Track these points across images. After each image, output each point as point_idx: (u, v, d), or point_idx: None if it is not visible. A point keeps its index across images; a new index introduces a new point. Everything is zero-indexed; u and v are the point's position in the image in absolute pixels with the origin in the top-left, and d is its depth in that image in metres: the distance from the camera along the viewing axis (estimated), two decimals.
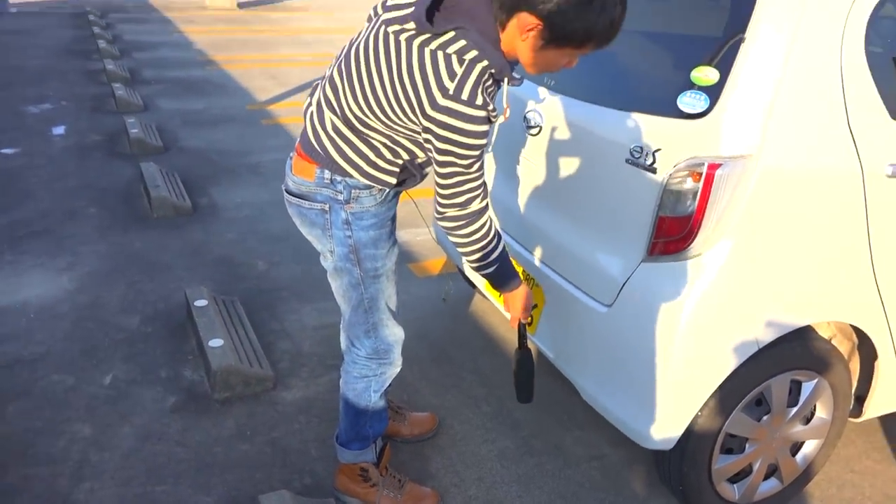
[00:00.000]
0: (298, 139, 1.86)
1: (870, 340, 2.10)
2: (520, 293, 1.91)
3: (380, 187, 1.80)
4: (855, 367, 2.25)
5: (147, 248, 3.75)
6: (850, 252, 1.93)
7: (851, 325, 2.09)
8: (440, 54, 1.54)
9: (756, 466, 2.17)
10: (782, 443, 2.18)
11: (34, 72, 7.42)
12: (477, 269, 1.83)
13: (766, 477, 2.24)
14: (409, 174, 1.81)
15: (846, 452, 2.57)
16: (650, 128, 1.89)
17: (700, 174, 1.76)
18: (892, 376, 2.20)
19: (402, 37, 1.58)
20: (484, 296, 2.83)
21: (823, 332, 2.16)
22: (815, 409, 2.20)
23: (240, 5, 13.45)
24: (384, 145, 1.72)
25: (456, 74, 1.53)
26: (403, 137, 1.70)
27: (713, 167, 1.75)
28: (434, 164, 1.66)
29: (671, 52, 2.09)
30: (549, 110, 2.23)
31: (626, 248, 1.97)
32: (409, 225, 4.11)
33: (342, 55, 1.75)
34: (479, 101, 1.54)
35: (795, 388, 2.11)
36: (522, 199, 2.42)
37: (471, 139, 1.56)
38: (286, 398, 2.66)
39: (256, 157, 5.23)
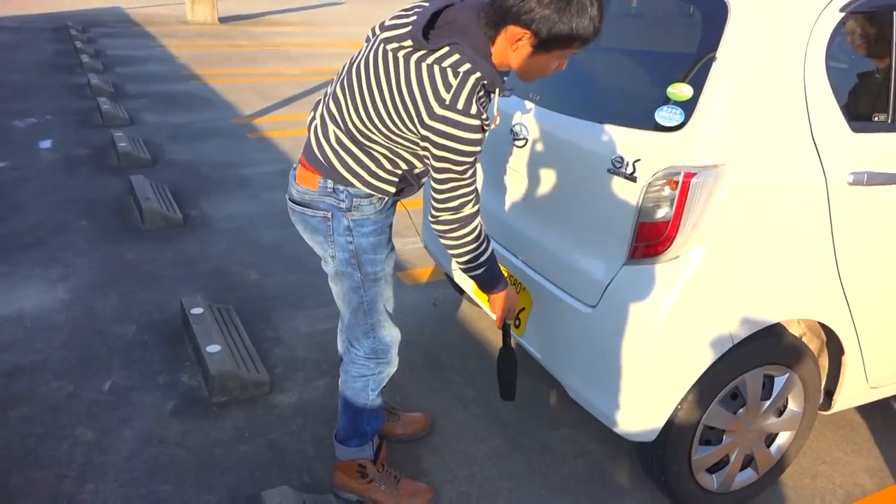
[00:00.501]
0: (302, 151, 1.97)
1: (837, 337, 2.25)
2: (505, 295, 2.04)
3: (380, 196, 1.91)
4: (824, 362, 2.39)
5: (139, 259, 3.82)
6: (817, 254, 2.08)
7: (819, 323, 2.23)
8: (436, 68, 1.66)
9: (733, 457, 2.30)
10: (757, 434, 2.31)
11: (18, 86, 7.45)
12: (466, 271, 1.95)
13: (743, 467, 2.37)
14: (408, 183, 1.93)
15: (818, 445, 2.71)
16: (630, 140, 2.02)
17: (676, 182, 1.90)
18: (858, 371, 2.34)
19: (400, 53, 1.71)
20: (472, 301, 2.95)
21: (794, 330, 2.30)
22: (787, 403, 2.33)
23: (221, 20, 13.52)
24: (384, 156, 1.84)
25: (451, 86, 1.66)
26: (402, 149, 1.82)
27: (689, 176, 1.88)
28: (431, 171, 1.78)
29: (649, 69, 2.24)
30: (535, 123, 2.36)
31: (609, 252, 2.10)
32: (397, 234, 4.22)
33: (344, 72, 1.87)
34: (474, 110, 1.67)
35: (768, 382, 2.24)
36: (510, 208, 2.54)
37: (466, 146, 1.69)
38: (282, 401, 2.75)
39: (244, 170, 5.31)
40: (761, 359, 2.15)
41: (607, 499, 2.39)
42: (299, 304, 3.46)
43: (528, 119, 2.39)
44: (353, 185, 1.87)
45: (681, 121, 1.92)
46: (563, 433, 2.68)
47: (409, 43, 1.69)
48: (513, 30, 1.63)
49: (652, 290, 1.97)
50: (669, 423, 2.10)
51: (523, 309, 2.44)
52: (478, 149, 1.72)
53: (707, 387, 2.09)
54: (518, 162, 2.46)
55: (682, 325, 1.97)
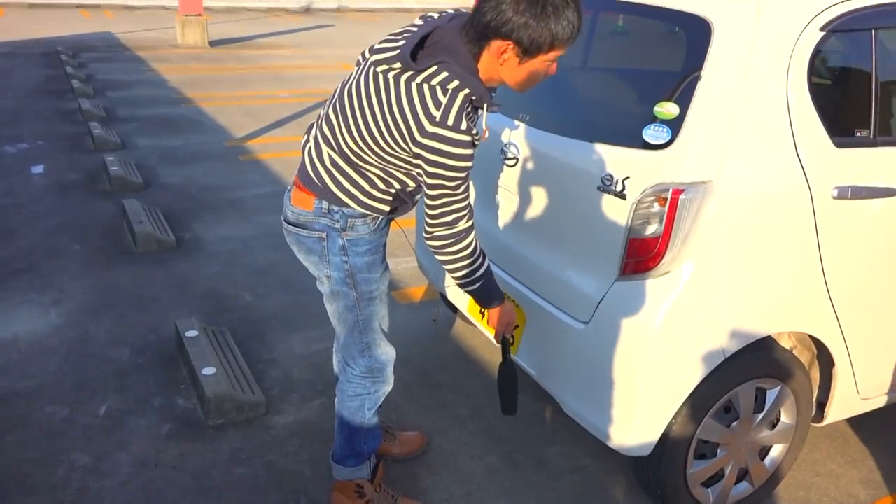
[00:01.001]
0: (297, 173, 2.00)
1: (827, 349, 2.28)
2: (502, 310, 2.06)
3: (374, 215, 1.94)
4: (815, 374, 2.42)
5: (133, 282, 3.83)
6: (805, 268, 2.11)
7: (810, 336, 2.26)
8: (426, 87, 1.70)
9: (728, 470, 2.32)
10: (751, 447, 2.33)
11: (8, 112, 7.46)
12: (463, 286, 1.98)
13: (738, 480, 2.39)
14: (401, 202, 1.96)
15: (812, 457, 2.73)
16: (619, 158, 2.06)
17: (665, 199, 1.94)
18: (849, 383, 2.37)
19: (390, 75, 1.75)
20: (466, 319, 2.97)
21: (784, 343, 2.33)
22: (780, 415, 2.36)
23: (212, 43, 13.59)
24: (378, 177, 1.87)
25: (441, 103, 1.70)
26: (396, 169, 1.85)
27: (677, 192, 1.92)
28: (424, 188, 1.81)
29: (636, 88, 2.29)
30: (525, 143, 2.40)
31: (601, 268, 2.13)
32: (391, 254, 4.24)
33: (336, 95, 1.91)
34: (464, 126, 1.71)
35: (761, 395, 2.27)
36: (502, 226, 2.57)
37: (457, 161, 1.72)
38: (278, 423, 2.75)
39: (237, 193, 5.33)
40: (753, 372, 2.18)
41: None
42: (293, 325, 3.47)
43: (518, 138, 2.43)
44: (347, 206, 1.90)
45: (668, 138, 1.96)
46: (558, 449, 2.69)
47: (398, 65, 1.73)
48: (495, 44, 1.68)
49: (644, 306, 2.00)
50: (664, 438, 2.12)
51: (517, 326, 2.47)
52: (469, 164, 1.75)
53: (700, 400, 2.11)
54: (509, 181, 2.49)
55: (674, 340, 2.00)
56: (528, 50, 1.67)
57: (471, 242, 1.89)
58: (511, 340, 2.49)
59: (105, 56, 11.57)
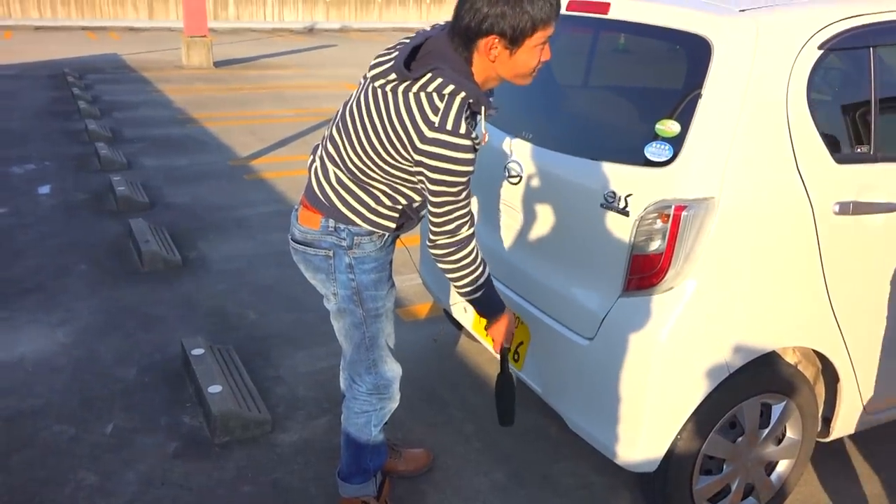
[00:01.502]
0: (304, 193, 2.03)
1: (832, 364, 2.28)
2: (504, 320, 2.06)
3: (380, 233, 1.96)
4: (820, 390, 2.43)
5: (139, 301, 3.85)
6: (808, 283, 2.13)
7: (814, 351, 2.27)
8: (422, 94, 1.74)
9: (734, 486, 2.32)
10: (757, 463, 2.33)
11: (16, 133, 7.53)
12: (466, 295, 1.98)
13: (744, 497, 2.38)
14: (407, 218, 1.98)
15: (818, 472, 2.72)
16: (621, 175, 2.09)
17: (668, 215, 1.96)
18: (854, 397, 2.38)
19: (388, 88, 1.79)
20: (471, 336, 2.98)
21: (789, 358, 2.34)
22: (785, 430, 2.36)
23: (216, 64, 13.72)
24: (384, 193, 1.90)
25: (439, 109, 1.72)
26: (401, 183, 1.87)
27: (679, 209, 1.94)
28: (427, 195, 1.83)
29: (638, 106, 2.32)
30: (529, 161, 2.43)
31: (604, 284, 2.15)
32: (395, 271, 4.26)
33: (338, 115, 1.94)
34: (463, 130, 1.73)
35: (766, 410, 2.27)
36: (507, 244, 2.59)
37: (459, 166, 1.74)
38: (284, 440, 2.76)
39: (241, 212, 5.37)
40: (758, 387, 2.19)
41: None
42: (299, 342, 3.49)
43: (522, 157, 2.45)
44: (354, 224, 1.92)
45: (670, 156, 1.98)
46: (564, 466, 2.69)
47: (393, 76, 1.77)
48: (482, 43, 1.71)
49: (648, 322, 2.01)
50: (670, 454, 2.12)
51: (521, 343, 2.48)
52: (471, 168, 1.77)
53: (705, 416, 2.11)
54: (513, 199, 2.51)
55: (678, 356, 2.01)
56: (513, 39, 1.69)
57: (473, 249, 1.91)
58: (516, 357, 2.50)
59: (111, 77, 11.69)
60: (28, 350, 3.31)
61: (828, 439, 2.46)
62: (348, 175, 1.90)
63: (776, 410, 2.27)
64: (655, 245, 2.00)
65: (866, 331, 2.30)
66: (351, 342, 2.09)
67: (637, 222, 2.02)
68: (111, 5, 23.93)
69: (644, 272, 2.03)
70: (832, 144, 2.08)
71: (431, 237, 1.89)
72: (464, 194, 1.82)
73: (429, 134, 1.72)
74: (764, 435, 2.28)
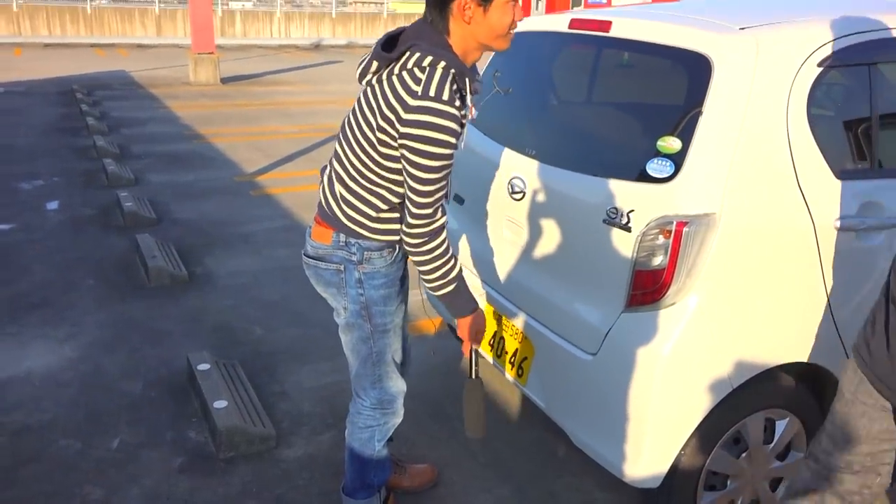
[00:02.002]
0: (317, 210, 2.06)
1: (835, 379, 2.28)
2: (475, 317, 2.03)
3: (389, 249, 1.98)
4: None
5: (146, 316, 3.87)
6: (810, 299, 2.13)
7: (818, 366, 2.27)
8: (404, 73, 1.77)
9: (739, 502, 2.32)
10: (762, 479, 2.33)
11: (25, 149, 7.60)
12: (437, 290, 1.96)
13: None
14: None
15: None
16: (623, 191, 2.11)
17: (670, 231, 1.97)
18: None
19: (374, 80, 1.84)
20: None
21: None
22: (789, 446, 2.35)
23: (223, 80, 13.84)
24: (382, 198, 1.93)
25: (420, 79, 1.75)
26: (397, 174, 1.88)
27: (681, 225, 1.95)
28: (407, 178, 1.81)
29: (640, 123, 2.34)
30: (532, 177, 2.45)
31: (607, 300, 2.16)
32: None
33: (340, 130, 1.98)
34: (447, 96, 1.74)
35: (770, 426, 2.27)
36: (511, 260, 2.61)
37: (444, 135, 1.73)
38: (289, 456, 2.77)
39: (247, 227, 5.40)
40: (761, 403, 2.19)
41: None
42: (304, 358, 3.50)
43: (525, 173, 2.47)
44: (361, 236, 1.94)
45: (671, 172, 2.00)
46: (568, 481, 2.69)
47: (374, 64, 1.81)
48: (454, 5, 1.75)
49: (650, 337, 2.02)
50: (674, 469, 2.12)
51: (525, 358, 2.49)
52: (455, 141, 1.76)
53: (709, 432, 2.12)
54: (517, 215, 2.53)
55: (681, 371, 2.01)
56: None
57: (444, 240, 1.90)
58: (520, 373, 2.51)
59: (119, 94, 11.80)
60: (35, 365, 3.33)
61: None
62: (351, 179, 1.93)
63: (780, 426, 2.27)
64: (658, 261, 2.01)
65: None
66: (358, 356, 2.11)
67: (639, 238, 2.03)
68: (120, 22, 24.19)
69: (647, 288, 2.05)
70: (833, 160, 2.09)
71: (409, 222, 1.85)
72: (444, 173, 1.80)
73: (412, 102, 1.73)
74: (768, 451, 2.28)
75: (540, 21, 2.77)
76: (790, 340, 2.16)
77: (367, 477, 2.23)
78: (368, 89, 1.86)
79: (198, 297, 4.14)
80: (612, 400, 2.12)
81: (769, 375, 2.16)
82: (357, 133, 1.88)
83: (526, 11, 27.68)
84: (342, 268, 2.00)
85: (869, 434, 1.72)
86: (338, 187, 1.97)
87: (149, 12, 24.62)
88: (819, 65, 2.06)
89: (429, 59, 1.75)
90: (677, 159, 2.00)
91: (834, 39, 2.09)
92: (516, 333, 2.54)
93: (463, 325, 2.05)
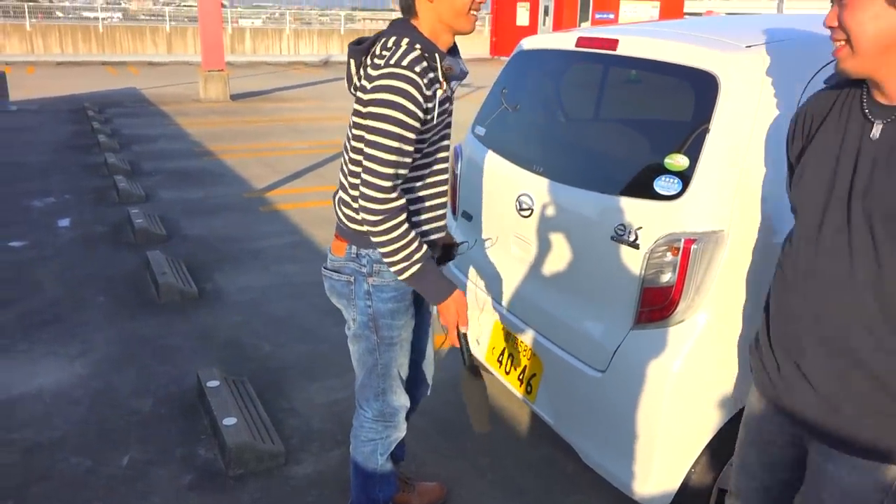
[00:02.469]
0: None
1: None
2: (453, 300, 1.95)
3: None
4: None
5: (156, 332, 3.89)
6: None
7: None
8: (374, 59, 1.84)
9: None
10: None
11: (37, 167, 7.69)
12: (402, 272, 1.90)
13: None
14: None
15: None
16: (631, 208, 2.11)
17: (678, 248, 1.98)
18: None
19: (358, 83, 1.90)
20: (484, 368, 2.98)
21: None
22: None
23: (233, 97, 13.97)
24: None
25: (385, 55, 1.80)
26: None
27: (689, 242, 1.96)
28: (365, 149, 1.80)
29: (647, 140, 2.35)
30: (540, 194, 2.46)
31: (616, 317, 2.16)
32: None
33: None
34: (407, 63, 1.76)
35: None
36: (519, 276, 2.61)
37: (401, 98, 1.74)
38: (298, 473, 2.77)
39: (256, 243, 5.43)
40: None
41: None
42: (313, 374, 3.51)
43: (533, 190, 2.49)
44: (370, 244, 1.95)
45: (678, 189, 2.01)
46: (577, 499, 2.68)
47: (353, 65, 1.90)
48: None
49: (659, 355, 2.02)
50: (683, 487, 2.11)
51: (534, 375, 2.49)
52: (414, 108, 1.75)
53: (718, 449, 2.11)
54: (525, 231, 2.54)
55: (690, 389, 2.01)
56: None
57: (404, 221, 1.85)
58: (529, 389, 2.51)
59: (130, 111, 11.93)
60: (46, 382, 3.35)
61: None
62: (349, 185, 1.97)
63: None
64: (666, 278, 2.02)
65: None
66: (364, 367, 2.14)
67: (647, 255, 2.04)
68: (131, 40, 24.49)
69: (655, 305, 2.05)
70: None
71: (364, 196, 1.80)
72: (403, 145, 1.77)
73: (378, 73, 1.78)
74: None
75: (547, 39, 2.79)
76: None
77: (372, 492, 2.23)
78: (356, 93, 1.91)
79: (207, 314, 4.16)
80: (622, 417, 2.12)
81: None
82: (351, 136, 1.94)
83: (533, 28, 27.85)
84: (353, 279, 2.03)
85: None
86: (340, 194, 2.04)
87: (160, 30, 24.92)
88: (826, 82, 2.06)
89: (393, 38, 1.83)
90: (685, 176, 2.01)
91: None
92: (525, 350, 2.54)
93: (443, 311, 1.96)
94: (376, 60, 1.82)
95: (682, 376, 1.99)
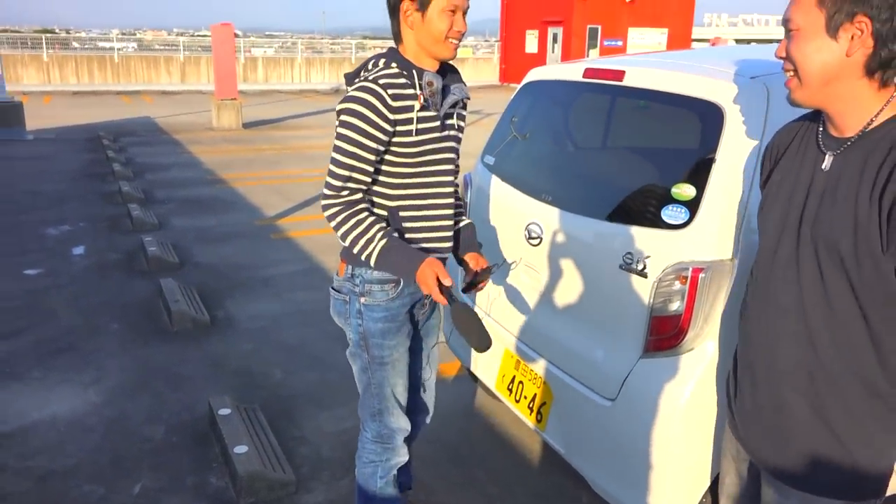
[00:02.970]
0: None
1: None
2: (427, 265, 1.92)
3: (392, 284, 2.04)
4: None
5: (168, 360, 3.92)
6: None
7: None
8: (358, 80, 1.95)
9: None
10: None
11: (53, 195, 7.80)
12: (368, 257, 1.94)
13: None
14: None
15: None
16: (639, 237, 2.13)
17: (686, 277, 1.99)
18: None
19: None
20: (493, 395, 2.99)
21: None
22: None
23: (245, 125, 14.14)
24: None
25: (366, 74, 1.93)
26: (377, 190, 2.01)
27: (697, 271, 1.98)
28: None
29: (654, 170, 2.37)
30: (549, 223, 2.48)
31: (625, 345, 2.17)
32: None
33: None
34: (382, 82, 1.88)
35: None
36: (529, 304, 2.63)
37: (356, 105, 1.87)
38: (309, 501, 2.77)
39: (267, 271, 5.47)
40: None
41: None
42: (323, 402, 3.52)
43: (542, 218, 2.51)
44: (360, 263, 2.01)
45: (686, 219, 2.03)
46: None
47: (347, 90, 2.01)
48: (401, 11, 1.91)
49: (669, 383, 2.03)
50: None
51: (545, 403, 2.49)
52: (368, 113, 1.85)
53: None
54: (534, 260, 2.57)
55: (699, 418, 2.01)
56: (421, 1, 1.88)
57: (361, 210, 1.94)
58: (539, 417, 2.51)
59: (144, 140, 12.09)
60: (60, 409, 3.38)
61: None
62: None
63: None
64: (675, 306, 2.03)
65: None
66: (361, 385, 2.19)
67: (656, 284, 2.06)
68: (145, 70, 24.89)
69: (664, 333, 2.06)
70: None
71: (322, 195, 1.98)
72: (356, 150, 1.88)
73: (349, 88, 1.93)
74: None
75: (555, 70, 2.84)
76: None
77: None
78: None
79: (219, 341, 4.19)
80: (632, 446, 2.12)
81: None
82: None
83: (542, 56, 28.07)
84: (348, 298, 2.09)
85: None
86: None
87: (174, 60, 25.32)
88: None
89: (373, 61, 1.95)
90: (692, 206, 2.03)
91: None
92: (535, 378, 2.55)
93: (421, 280, 1.92)
94: (357, 80, 1.94)
95: (692, 405, 2.00)
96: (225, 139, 12.53)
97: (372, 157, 1.92)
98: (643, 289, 2.10)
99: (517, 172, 2.79)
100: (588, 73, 2.58)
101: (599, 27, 27.00)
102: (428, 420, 2.47)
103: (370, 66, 1.96)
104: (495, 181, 2.82)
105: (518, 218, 2.62)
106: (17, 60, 23.20)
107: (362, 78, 1.92)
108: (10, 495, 2.74)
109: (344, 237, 1.96)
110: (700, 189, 2.03)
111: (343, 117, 1.89)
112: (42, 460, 2.98)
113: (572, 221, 2.41)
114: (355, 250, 1.96)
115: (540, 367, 2.52)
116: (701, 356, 2.00)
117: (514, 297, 2.69)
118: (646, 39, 27.80)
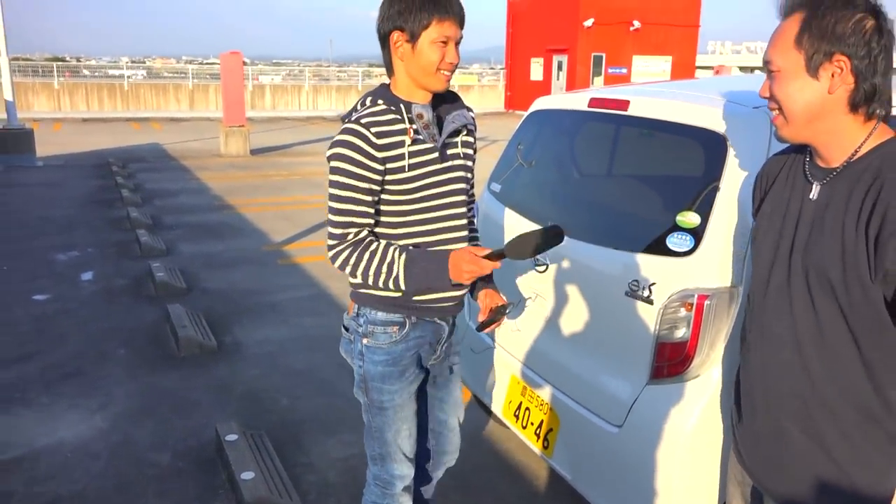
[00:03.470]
0: None
1: None
2: (457, 262, 1.85)
3: (396, 326, 2.01)
4: None
5: (176, 385, 3.94)
6: None
7: None
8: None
9: None
10: None
11: (62, 221, 7.87)
12: (398, 286, 1.88)
13: None
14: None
15: None
16: (645, 264, 2.16)
17: (691, 304, 2.01)
18: None
19: None
20: (500, 422, 2.99)
21: None
22: None
23: (253, 152, 14.27)
24: None
25: (353, 113, 1.91)
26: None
27: (702, 298, 1.99)
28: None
29: (659, 198, 2.40)
30: (555, 250, 2.50)
31: (632, 372, 2.18)
32: None
33: None
34: (365, 121, 1.85)
35: None
36: (535, 331, 2.64)
37: (342, 149, 1.84)
38: None
39: (274, 296, 5.50)
40: None
41: None
42: (330, 428, 3.52)
43: None
44: (365, 300, 2.00)
45: (691, 246, 2.05)
46: None
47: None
48: (391, 43, 1.89)
49: (675, 410, 2.03)
50: None
51: (551, 430, 2.49)
52: (354, 155, 1.82)
53: None
54: (540, 286, 2.59)
55: (706, 444, 2.01)
56: (412, 32, 1.84)
57: (368, 244, 1.88)
58: (546, 444, 2.51)
59: (153, 166, 12.21)
60: (68, 435, 3.39)
61: None
62: None
63: None
64: (680, 333, 2.04)
65: None
66: (365, 425, 2.15)
67: (661, 311, 2.07)
68: (154, 97, 25.21)
69: (670, 360, 2.07)
70: None
71: (327, 242, 1.93)
72: (350, 193, 1.83)
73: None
74: None
75: (560, 99, 2.88)
76: None
77: None
78: None
79: (226, 367, 4.20)
80: (638, 473, 2.12)
81: None
82: None
83: (547, 83, 28.30)
84: (353, 338, 2.08)
85: None
86: None
87: (182, 88, 25.65)
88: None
89: (360, 100, 1.95)
90: (697, 233, 2.05)
91: None
92: (541, 405, 2.56)
93: (457, 278, 1.86)
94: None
95: (699, 431, 2.00)
96: (233, 165, 12.64)
97: (368, 198, 1.87)
98: (649, 316, 2.11)
99: (523, 200, 2.82)
100: (593, 102, 2.62)
101: (604, 55, 27.27)
102: (452, 461, 2.38)
103: (359, 106, 1.92)
104: (502, 209, 2.85)
105: None
106: (28, 88, 23.54)
107: (348, 120, 1.89)
108: None
109: (364, 275, 1.88)
110: (704, 217, 2.05)
111: (332, 163, 1.85)
112: (50, 486, 2.98)
113: (579, 249, 2.43)
114: (380, 282, 1.88)
115: (546, 393, 2.52)
116: (707, 383, 2.01)
117: (521, 323, 2.71)
118: (650, 67, 28.05)
